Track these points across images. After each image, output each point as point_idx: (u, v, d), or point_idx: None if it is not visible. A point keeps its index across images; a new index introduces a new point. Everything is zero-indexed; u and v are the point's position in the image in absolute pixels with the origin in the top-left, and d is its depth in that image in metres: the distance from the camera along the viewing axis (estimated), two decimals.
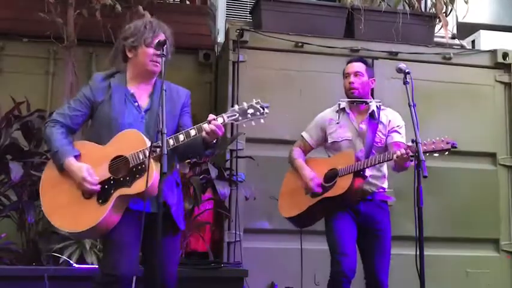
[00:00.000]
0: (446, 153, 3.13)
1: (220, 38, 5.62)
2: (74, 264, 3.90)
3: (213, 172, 4.25)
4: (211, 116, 2.75)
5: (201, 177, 4.36)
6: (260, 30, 5.08)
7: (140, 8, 4.79)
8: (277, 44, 5.01)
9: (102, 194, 2.71)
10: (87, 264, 3.94)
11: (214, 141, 2.79)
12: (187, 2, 5.83)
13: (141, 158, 2.68)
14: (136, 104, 2.88)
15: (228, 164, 4.71)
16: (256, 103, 2.78)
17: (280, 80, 4.95)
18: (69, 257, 3.94)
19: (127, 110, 2.85)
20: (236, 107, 2.80)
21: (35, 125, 4.41)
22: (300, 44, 5.06)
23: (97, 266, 3.86)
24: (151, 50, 2.84)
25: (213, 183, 4.26)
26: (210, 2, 5.84)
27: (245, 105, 2.78)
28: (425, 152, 3.09)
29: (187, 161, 4.29)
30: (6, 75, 5.21)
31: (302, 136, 3.76)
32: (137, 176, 2.68)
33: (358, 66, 3.62)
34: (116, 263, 2.68)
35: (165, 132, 2.57)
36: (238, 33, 4.92)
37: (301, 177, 3.58)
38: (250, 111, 2.76)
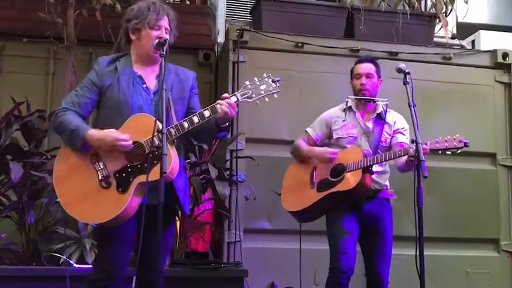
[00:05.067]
0: (459, 151, 3.15)
1: (220, 38, 5.61)
2: (74, 264, 3.90)
3: (213, 172, 4.25)
4: (224, 95, 2.71)
5: (201, 177, 4.36)
6: (260, 30, 5.08)
7: None
8: (277, 44, 5.01)
9: (121, 183, 2.67)
10: (87, 264, 3.94)
11: (227, 123, 2.76)
12: (187, 2, 5.83)
13: (156, 143, 2.62)
14: (144, 85, 2.83)
15: (228, 164, 4.71)
16: (267, 77, 2.75)
17: (280, 80, 4.94)
18: (69, 257, 3.95)
19: (136, 92, 2.79)
20: (247, 83, 2.75)
21: (35, 125, 4.42)
22: (300, 44, 5.06)
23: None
24: (154, 33, 2.80)
25: (213, 183, 4.26)
26: (210, 2, 5.84)
27: (256, 80, 2.74)
28: (438, 150, 3.14)
29: (187, 161, 4.30)
30: (6, 75, 5.21)
31: (306, 131, 3.74)
32: (155, 161, 2.62)
33: (370, 68, 3.63)
34: (112, 259, 2.67)
35: (165, 132, 2.54)
36: (238, 34, 4.91)
37: (315, 155, 3.54)
38: (263, 87, 2.72)
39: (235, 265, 4.28)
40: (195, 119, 2.69)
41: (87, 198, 2.69)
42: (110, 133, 2.68)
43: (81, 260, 3.99)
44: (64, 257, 3.93)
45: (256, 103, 2.75)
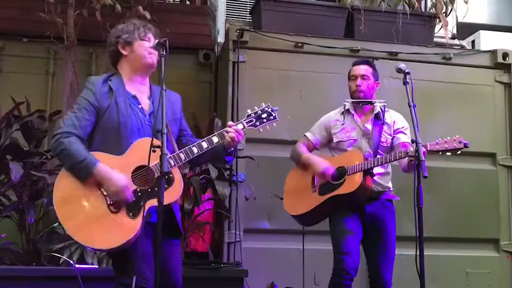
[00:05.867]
0: (459, 152, 3.17)
1: (220, 38, 5.62)
2: (75, 265, 3.89)
3: (213, 172, 4.25)
4: (230, 123, 2.80)
5: (201, 177, 4.36)
6: (260, 30, 5.08)
7: (140, 8, 4.79)
8: (277, 44, 5.01)
9: (132, 207, 2.62)
10: (87, 264, 3.94)
11: (233, 148, 2.83)
12: (187, 2, 5.83)
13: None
14: (140, 106, 2.79)
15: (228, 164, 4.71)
16: (266, 107, 2.84)
17: (280, 80, 4.95)
18: (69, 257, 3.94)
19: (133, 113, 2.75)
20: (250, 111, 2.84)
21: (35, 125, 4.42)
22: (300, 44, 5.06)
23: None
24: (146, 43, 2.79)
25: (213, 183, 4.26)
26: (210, 2, 5.84)
27: (257, 109, 2.83)
28: (438, 151, 3.15)
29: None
30: (6, 75, 5.21)
31: (305, 136, 3.73)
32: (166, 186, 2.57)
33: (366, 69, 3.63)
34: (143, 273, 2.58)
35: (165, 132, 2.53)
36: (238, 34, 4.91)
37: (312, 166, 3.54)
38: (264, 115, 2.83)
39: (235, 265, 4.29)
40: (204, 145, 2.74)
41: (96, 223, 2.61)
42: (121, 179, 2.62)
43: (81, 260, 3.98)
44: (64, 257, 3.93)
45: (260, 131, 2.85)
